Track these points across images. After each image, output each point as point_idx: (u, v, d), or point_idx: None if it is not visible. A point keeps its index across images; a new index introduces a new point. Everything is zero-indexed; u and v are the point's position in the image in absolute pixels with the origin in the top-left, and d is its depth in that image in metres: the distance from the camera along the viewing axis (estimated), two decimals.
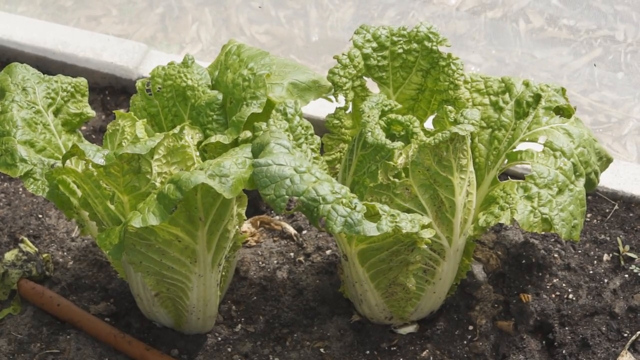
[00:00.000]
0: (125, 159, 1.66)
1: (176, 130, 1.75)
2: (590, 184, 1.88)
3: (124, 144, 1.80)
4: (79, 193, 1.79)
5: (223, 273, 1.93)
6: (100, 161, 1.64)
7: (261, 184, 1.61)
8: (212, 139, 1.82)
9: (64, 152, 1.93)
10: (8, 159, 1.83)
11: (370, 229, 1.58)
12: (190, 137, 1.80)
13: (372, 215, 1.60)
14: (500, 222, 1.73)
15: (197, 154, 1.80)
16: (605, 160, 1.97)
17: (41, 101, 1.94)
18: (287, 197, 1.59)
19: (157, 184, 1.71)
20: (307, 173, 1.61)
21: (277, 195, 1.59)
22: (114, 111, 1.93)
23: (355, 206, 1.58)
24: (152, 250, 1.75)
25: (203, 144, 1.84)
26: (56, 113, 1.97)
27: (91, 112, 2.01)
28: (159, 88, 1.98)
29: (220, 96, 1.92)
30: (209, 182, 1.58)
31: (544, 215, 1.73)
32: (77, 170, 1.72)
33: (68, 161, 1.73)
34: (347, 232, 1.57)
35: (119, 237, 1.64)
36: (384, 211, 1.60)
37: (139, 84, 2.00)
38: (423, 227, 1.65)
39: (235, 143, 1.83)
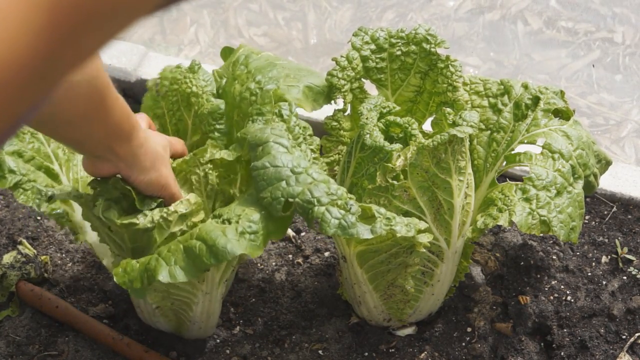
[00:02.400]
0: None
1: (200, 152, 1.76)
2: (590, 187, 1.87)
3: None
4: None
5: (227, 283, 1.91)
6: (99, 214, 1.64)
7: (259, 187, 1.60)
8: (217, 155, 1.80)
9: (54, 160, 1.91)
10: None
11: (364, 231, 1.57)
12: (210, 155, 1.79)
13: (368, 218, 1.60)
14: (498, 224, 1.72)
15: (211, 166, 1.79)
16: (605, 163, 1.97)
17: None
18: (282, 199, 1.58)
19: (157, 219, 1.68)
20: (303, 174, 1.60)
21: (273, 198, 1.59)
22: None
23: (350, 208, 1.57)
24: None
25: (207, 159, 1.81)
26: None
27: None
28: (166, 90, 1.97)
29: (222, 106, 1.90)
30: (244, 249, 1.56)
31: (542, 217, 1.72)
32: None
33: (64, 178, 1.72)
34: (341, 234, 1.56)
35: (141, 282, 1.60)
36: (380, 214, 1.60)
37: (150, 82, 1.99)
38: (419, 231, 1.64)
39: (239, 159, 1.80)
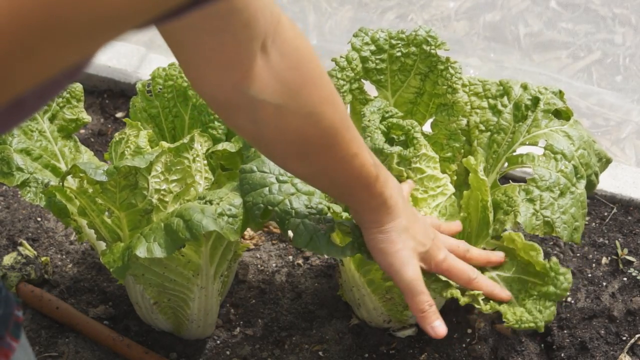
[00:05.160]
0: (122, 173, 1.64)
1: (186, 140, 1.73)
2: (591, 186, 1.87)
3: (126, 152, 1.79)
4: (77, 201, 1.77)
5: (224, 280, 1.92)
6: (102, 178, 1.61)
7: (244, 190, 1.61)
8: (219, 147, 1.80)
9: (61, 158, 1.92)
10: (4, 167, 1.80)
11: (333, 251, 1.57)
12: (200, 144, 1.79)
13: (344, 236, 1.59)
14: (505, 228, 1.72)
15: (205, 162, 1.79)
16: (605, 161, 1.96)
17: None
18: (262, 206, 1.59)
19: (154, 201, 1.70)
20: (288, 183, 1.61)
21: (253, 203, 1.60)
22: (124, 119, 1.92)
23: (325, 225, 1.58)
24: (154, 264, 1.74)
25: (210, 150, 1.82)
26: (52, 119, 1.95)
27: (87, 118, 2.00)
28: (160, 89, 1.97)
29: None
30: (219, 229, 1.57)
31: (545, 218, 1.72)
32: (72, 188, 1.71)
33: (70, 176, 1.71)
34: (311, 250, 1.56)
35: (122, 259, 1.63)
36: (355, 237, 1.60)
37: (139, 85, 2.00)
38: None
39: (240, 151, 1.81)
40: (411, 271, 1.55)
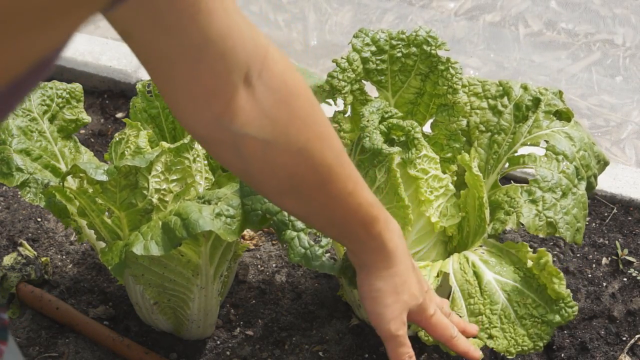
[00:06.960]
0: (123, 172, 1.64)
1: (186, 140, 1.73)
2: (590, 187, 1.88)
3: (126, 152, 1.79)
4: (77, 202, 1.77)
5: (224, 280, 1.92)
6: (103, 177, 1.61)
7: (243, 192, 1.61)
8: None
9: (61, 159, 1.92)
10: (4, 168, 1.80)
11: (326, 267, 1.57)
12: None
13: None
14: (506, 227, 1.72)
15: (206, 162, 1.79)
16: (603, 164, 1.97)
17: (36, 108, 1.93)
18: (260, 213, 1.59)
19: (155, 201, 1.70)
20: None
21: (252, 208, 1.59)
22: (124, 120, 1.92)
23: (321, 240, 1.57)
24: (154, 264, 1.74)
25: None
26: (51, 120, 1.95)
27: (87, 118, 2.00)
28: None
29: None
30: (216, 229, 1.56)
31: (548, 219, 1.72)
32: (72, 188, 1.71)
33: (70, 177, 1.71)
34: (304, 264, 1.57)
35: (120, 256, 1.63)
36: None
37: (139, 85, 1.99)
38: None
39: None
40: (398, 325, 1.50)
